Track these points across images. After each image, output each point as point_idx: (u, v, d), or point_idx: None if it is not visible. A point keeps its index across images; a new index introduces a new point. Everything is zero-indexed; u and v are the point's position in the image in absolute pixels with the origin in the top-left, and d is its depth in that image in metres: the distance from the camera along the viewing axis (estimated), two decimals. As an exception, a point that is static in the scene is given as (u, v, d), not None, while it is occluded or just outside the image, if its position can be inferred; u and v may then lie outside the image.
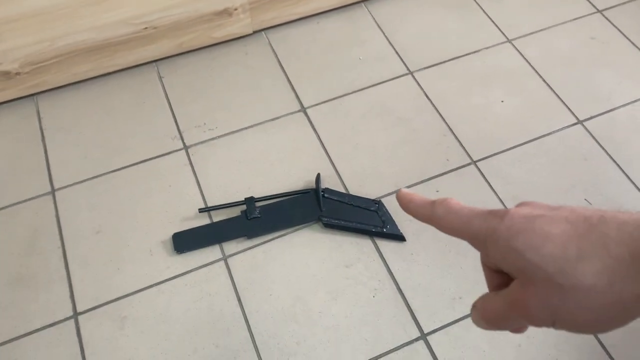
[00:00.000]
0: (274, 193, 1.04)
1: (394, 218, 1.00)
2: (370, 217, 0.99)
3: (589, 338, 0.89)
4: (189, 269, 0.96)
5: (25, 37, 1.04)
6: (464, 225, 0.31)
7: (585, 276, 0.25)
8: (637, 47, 1.27)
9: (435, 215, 0.32)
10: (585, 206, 0.27)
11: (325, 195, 1.01)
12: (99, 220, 1.01)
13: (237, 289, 0.94)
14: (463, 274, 0.95)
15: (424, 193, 1.03)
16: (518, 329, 0.31)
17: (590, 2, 1.35)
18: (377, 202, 1.01)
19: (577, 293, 0.25)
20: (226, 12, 1.18)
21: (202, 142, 1.11)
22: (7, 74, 1.09)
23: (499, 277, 0.31)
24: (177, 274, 0.95)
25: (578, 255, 0.25)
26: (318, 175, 1.02)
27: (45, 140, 1.11)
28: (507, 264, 0.28)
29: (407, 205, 0.35)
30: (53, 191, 1.04)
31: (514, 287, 0.28)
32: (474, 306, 0.32)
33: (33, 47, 1.07)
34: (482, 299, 0.31)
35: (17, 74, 1.10)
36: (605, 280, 0.25)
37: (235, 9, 1.18)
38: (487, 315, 0.30)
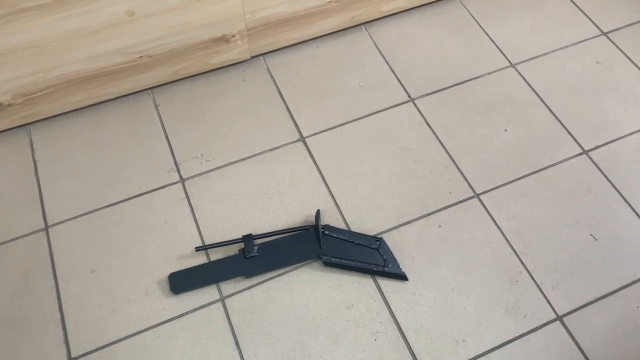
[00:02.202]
0: (273, 228, 1.02)
1: (395, 256, 0.98)
2: (372, 255, 0.97)
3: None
4: (186, 311, 0.93)
5: (17, 69, 1.01)
6: None
7: None
8: (642, 71, 1.24)
9: None
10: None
11: (326, 232, 0.99)
12: (93, 258, 0.99)
13: (235, 332, 0.91)
14: (466, 315, 0.93)
15: (426, 228, 1.01)
16: None
17: (595, 24, 1.32)
18: (379, 240, 0.99)
19: None
20: (223, 39, 1.15)
21: (199, 175, 1.09)
22: (-2, 106, 1.07)
23: None
24: (173, 316, 0.93)
25: None
26: (318, 212, 1.00)
27: (39, 173, 1.09)
28: None
29: None
30: (47, 228, 1.02)
31: None
32: None
33: (25, 79, 1.04)
34: None
35: (9, 105, 1.07)
36: None
37: (233, 36, 1.16)
38: None
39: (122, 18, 1.01)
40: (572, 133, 1.15)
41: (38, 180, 1.08)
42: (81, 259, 0.99)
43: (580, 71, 1.25)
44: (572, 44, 1.29)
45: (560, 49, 1.29)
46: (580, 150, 1.12)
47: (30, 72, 1.03)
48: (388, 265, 0.96)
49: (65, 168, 1.09)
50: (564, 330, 0.92)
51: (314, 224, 1.01)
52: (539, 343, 0.91)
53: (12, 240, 1.01)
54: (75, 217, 1.03)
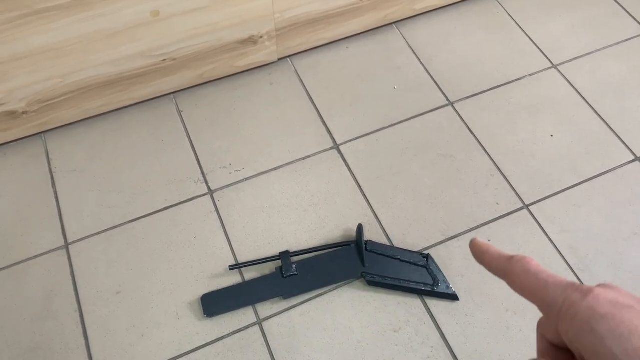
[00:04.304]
0: (309, 244, 0.95)
1: (444, 273, 0.91)
2: (419, 273, 0.90)
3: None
4: (221, 336, 0.86)
5: (34, 74, 0.94)
6: (539, 290, 0.29)
7: None
8: (691, 72, 1.18)
9: (511, 271, 0.31)
10: None
11: (368, 248, 0.92)
12: (118, 278, 0.92)
13: (275, 358, 0.85)
14: (522, 337, 0.86)
15: (475, 244, 0.94)
16: None
17: (638, 23, 1.25)
18: (426, 256, 0.92)
19: None
20: (251, 41, 1.08)
21: (228, 186, 1.02)
22: (12, 114, 0.99)
23: (555, 352, 0.30)
24: (207, 341, 0.86)
25: None
26: (360, 227, 0.93)
27: (56, 185, 1.02)
28: (580, 344, 0.27)
29: (481, 255, 0.34)
30: (67, 245, 0.95)
31: None
32: None
33: (42, 84, 0.97)
34: None
35: (24, 113, 1.00)
36: None
37: (261, 37, 1.08)
38: None
39: (147, 19, 0.94)
40: (622, 138, 1.08)
41: (56, 193, 1.01)
42: (105, 279, 0.92)
43: (625, 72, 1.18)
44: (616, 43, 1.22)
45: (604, 48, 1.22)
46: (633, 157, 1.06)
47: (48, 77, 0.96)
48: (437, 285, 0.89)
49: (85, 179, 1.02)
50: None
51: (354, 239, 0.94)
52: (603, 368, 0.84)
53: (29, 259, 0.94)
54: (98, 233, 0.96)
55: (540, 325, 0.31)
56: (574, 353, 0.28)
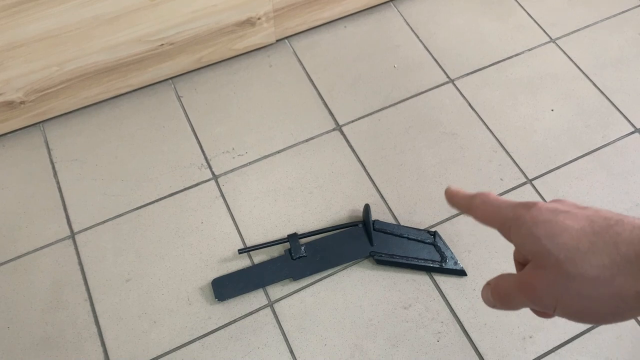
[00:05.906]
0: (315, 225, 0.95)
1: (451, 249, 0.92)
2: (427, 250, 0.91)
3: (672, 376, 0.83)
4: (233, 319, 0.87)
5: (30, 63, 0.92)
6: (495, 213, 0.33)
7: (591, 267, 0.27)
8: (688, 42, 1.18)
9: (473, 205, 0.35)
10: (611, 210, 0.30)
11: (376, 227, 0.92)
12: (127, 266, 0.92)
13: (288, 339, 0.85)
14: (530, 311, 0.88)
15: (481, 220, 0.95)
16: (542, 313, 0.35)
17: (634, -6, 1.26)
18: (433, 234, 0.93)
19: (581, 282, 0.28)
20: (249, 22, 1.07)
21: (232, 170, 1.01)
22: (10, 104, 0.98)
23: None
24: (220, 325, 0.86)
25: (589, 248, 0.28)
26: (367, 206, 0.93)
27: (58, 175, 1.01)
28: (525, 249, 0.31)
29: (452, 199, 0.39)
30: (73, 235, 0.94)
31: (526, 270, 0.31)
32: (488, 283, 0.35)
33: (39, 73, 0.95)
34: (497, 277, 0.34)
35: (22, 102, 0.99)
36: (609, 273, 0.27)
37: (259, 18, 1.07)
38: (496, 291, 0.34)
39: (145, 2, 0.92)
40: (621, 110, 1.09)
41: (58, 183, 1.00)
42: (114, 268, 0.91)
43: (623, 44, 1.18)
44: (613, 16, 1.23)
45: (601, 21, 1.22)
46: (632, 129, 1.07)
47: (45, 66, 0.94)
48: (445, 261, 0.90)
49: (87, 168, 1.01)
50: (634, 322, 0.88)
51: (361, 219, 0.95)
52: (609, 336, 0.86)
53: (36, 250, 0.93)
54: (103, 222, 0.96)
55: (514, 254, 0.36)
56: (526, 258, 0.32)
